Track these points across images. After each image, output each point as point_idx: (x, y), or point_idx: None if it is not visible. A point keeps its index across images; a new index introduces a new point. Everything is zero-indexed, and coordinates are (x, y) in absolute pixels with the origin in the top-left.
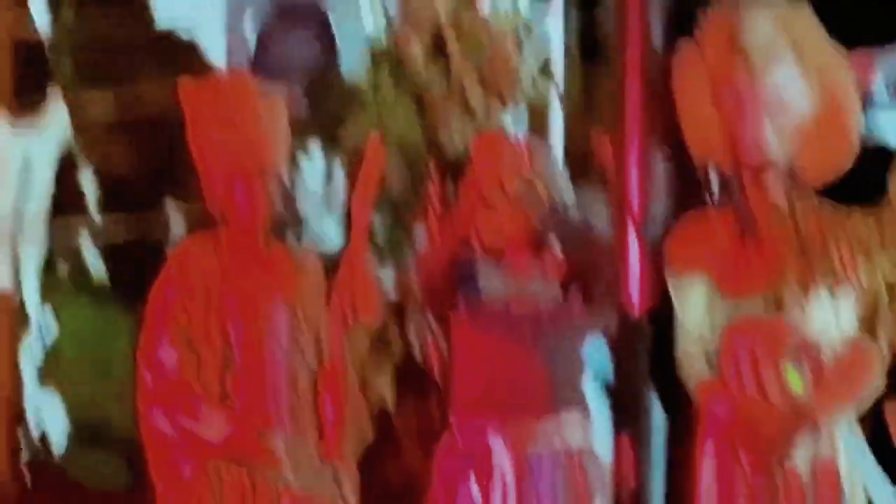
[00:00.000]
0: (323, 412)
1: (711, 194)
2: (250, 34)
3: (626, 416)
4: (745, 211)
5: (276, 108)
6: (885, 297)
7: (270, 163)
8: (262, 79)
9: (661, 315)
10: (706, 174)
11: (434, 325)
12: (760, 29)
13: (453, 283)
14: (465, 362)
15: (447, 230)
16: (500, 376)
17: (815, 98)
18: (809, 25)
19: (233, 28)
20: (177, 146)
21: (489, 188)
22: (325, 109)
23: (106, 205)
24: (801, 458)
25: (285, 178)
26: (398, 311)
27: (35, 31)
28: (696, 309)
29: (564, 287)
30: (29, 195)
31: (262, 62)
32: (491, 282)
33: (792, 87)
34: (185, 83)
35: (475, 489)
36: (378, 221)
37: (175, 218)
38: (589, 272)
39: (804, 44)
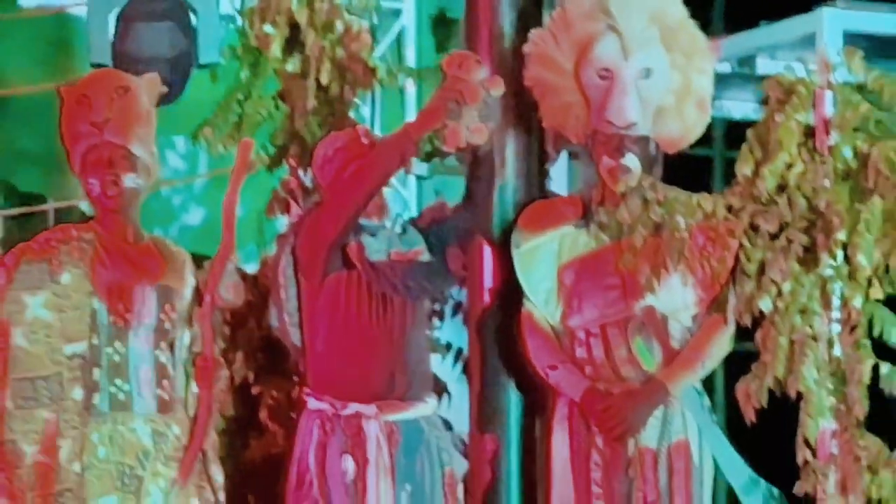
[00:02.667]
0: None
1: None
2: (112, 22)
3: (484, 393)
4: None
5: (135, 96)
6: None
7: (123, 153)
8: (123, 67)
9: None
10: (556, 153)
11: (291, 302)
12: (633, 14)
13: (337, 247)
14: (328, 340)
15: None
16: (365, 359)
17: (676, 76)
18: (677, 13)
19: (95, 12)
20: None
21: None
22: (186, 100)
23: None
24: (653, 434)
25: (147, 167)
26: (259, 292)
27: None
28: (541, 277)
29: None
30: None
31: (123, 50)
32: (368, 240)
33: (658, 66)
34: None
35: (348, 459)
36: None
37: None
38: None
39: (672, 29)
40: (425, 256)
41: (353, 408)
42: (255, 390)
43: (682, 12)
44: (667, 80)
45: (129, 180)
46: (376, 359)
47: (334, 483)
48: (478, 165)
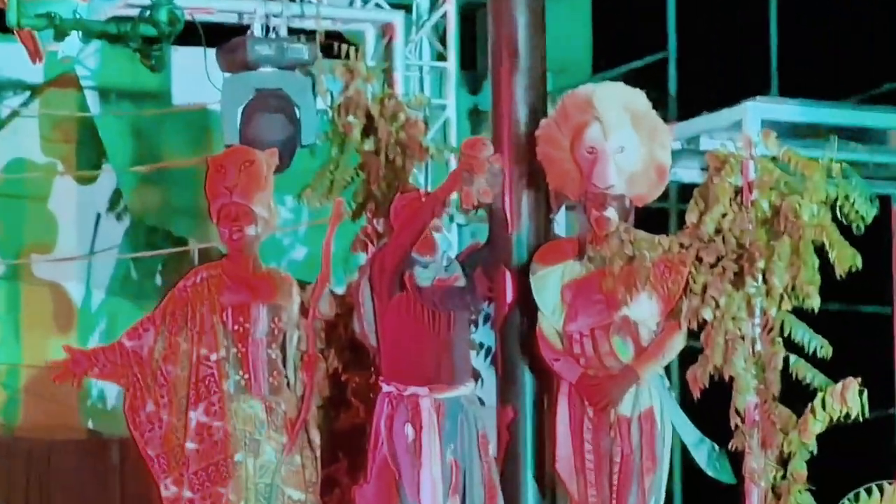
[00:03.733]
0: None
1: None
2: (239, 112)
3: (508, 378)
4: (585, 232)
5: (258, 168)
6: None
7: (245, 210)
8: (248, 146)
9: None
10: (558, 206)
11: (369, 314)
12: (611, 107)
13: (398, 275)
14: (397, 341)
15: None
16: (429, 354)
17: (643, 151)
18: (643, 104)
19: (227, 108)
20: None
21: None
22: (293, 170)
23: None
24: (627, 406)
25: (265, 219)
26: (346, 307)
27: None
28: (549, 295)
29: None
30: None
31: (247, 134)
32: (419, 271)
33: (629, 144)
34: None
35: (409, 427)
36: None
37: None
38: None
39: (639, 116)
40: (461, 282)
41: (411, 389)
42: (343, 377)
43: (646, 104)
44: (636, 154)
45: (249, 230)
46: (427, 355)
47: (399, 444)
48: (492, 217)
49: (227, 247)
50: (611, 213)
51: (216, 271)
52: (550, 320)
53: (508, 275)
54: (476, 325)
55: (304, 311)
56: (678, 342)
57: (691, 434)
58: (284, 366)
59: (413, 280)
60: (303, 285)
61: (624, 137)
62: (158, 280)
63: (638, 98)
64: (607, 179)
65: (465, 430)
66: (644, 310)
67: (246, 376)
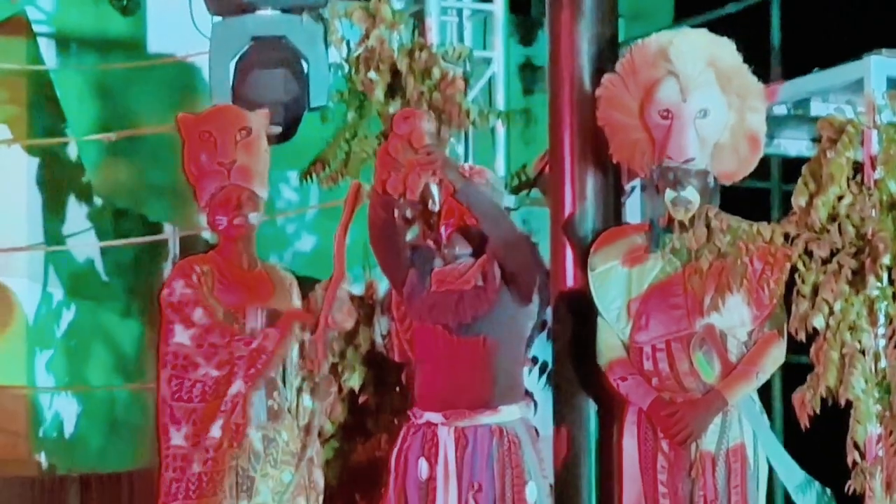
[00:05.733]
0: None
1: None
2: (231, 66)
3: (564, 401)
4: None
5: (257, 137)
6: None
7: (249, 195)
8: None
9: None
10: (630, 185)
11: (396, 324)
12: (692, 60)
13: (404, 260)
14: (420, 359)
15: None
16: (446, 374)
17: (731, 116)
18: (731, 57)
19: (216, 60)
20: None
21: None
22: (299, 139)
23: None
24: (712, 439)
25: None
26: (366, 315)
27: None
28: (613, 297)
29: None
30: None
31: (241, 94)
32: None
33: (714, 107)
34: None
35: (423, 462)
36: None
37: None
38: (519, 267)
39: (726, 72)
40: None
41: (426, 416)
42: (361, 399)
43: (735, 58)
44: (723, 119)
45: (253, 218)
46: (441, 372)
47: (410, 483)
48: (468, 206)
49: (219, 237)
50: (690, 193)
51: (208, 266)
52: (614, 329)
53: (571, 271)
54: (531, 336)
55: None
56: (777, 357)
57: (794, 474)
58: (284, 385)
59: (414, 281)
60: (311, 285)
61: (707, 98)
62: (130, 277)
63: (725, 49)
64: (686, 151)
65: (496, 470)
66: (733, 317)
67: None
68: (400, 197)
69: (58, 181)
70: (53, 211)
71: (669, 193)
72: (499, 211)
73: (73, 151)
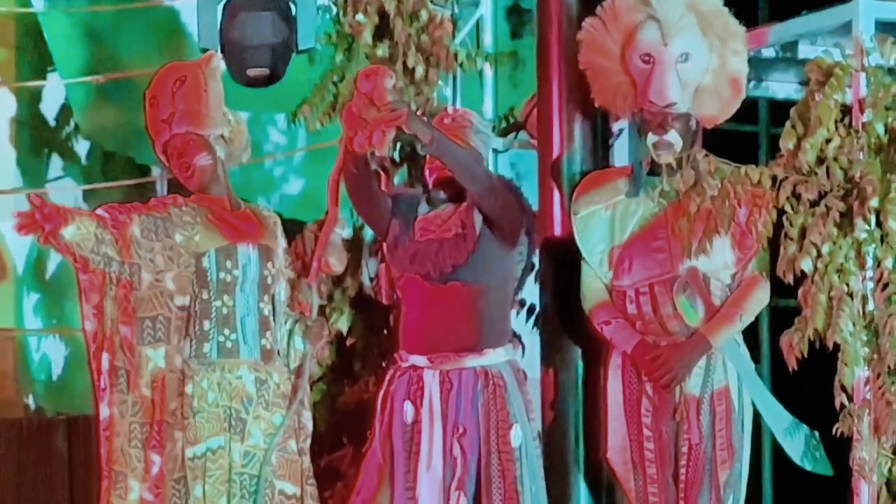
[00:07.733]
0: None
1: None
2: (219, 8)
3: (552, 345)
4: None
5: (192, 83)
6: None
7: (189, 139)
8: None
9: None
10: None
11: (384, 267)
12: (672, 5)
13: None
14: (406, 304)
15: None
16: (430, 319)
17: (713, 59)
18: (713, 2)
19: (204, 3)
20: None
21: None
22: (287, 82)
23: None
24: (696, 382)
25: (221, 137)
26: (355, 258)
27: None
28: (596, 241)
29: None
30: None
31: (229, 37)
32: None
33: (695, 50)
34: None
35: (408, 405)
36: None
37: None
38: (499, 213)
39: (708, 15)
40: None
41: (411, 360)
42: (349, 342)
43: (716, 1)
44: (704, 63)
45: (201, 160)
46: (425, 314)
47: (396, 426)
48: (438, 155)
49: (188, 188)
50: (672, 136)
51: (195, 204)
52: (598, 273)
53: (558, 215)
54: (521, 278)
55: (299, 260)
56: (761, 299)
57: (780, 417)
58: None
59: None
60: (298, 228)
61: (688, 42)
62: None
63: None
64: (667, 95)
65: (481, 411)
66: (717, 260)
67: (233, 336)
68: (368, 153)
69: (43, 125)
70: (39, 153)
71: (651, 137)
72: (471, 160)
73: (60, 94)
